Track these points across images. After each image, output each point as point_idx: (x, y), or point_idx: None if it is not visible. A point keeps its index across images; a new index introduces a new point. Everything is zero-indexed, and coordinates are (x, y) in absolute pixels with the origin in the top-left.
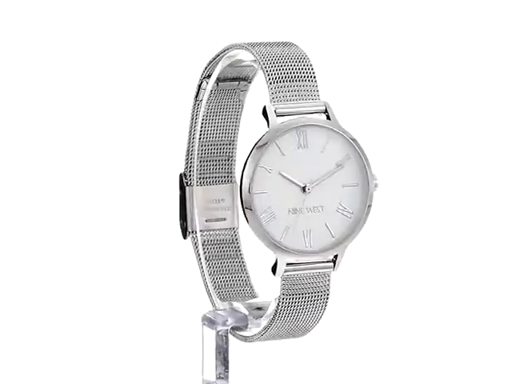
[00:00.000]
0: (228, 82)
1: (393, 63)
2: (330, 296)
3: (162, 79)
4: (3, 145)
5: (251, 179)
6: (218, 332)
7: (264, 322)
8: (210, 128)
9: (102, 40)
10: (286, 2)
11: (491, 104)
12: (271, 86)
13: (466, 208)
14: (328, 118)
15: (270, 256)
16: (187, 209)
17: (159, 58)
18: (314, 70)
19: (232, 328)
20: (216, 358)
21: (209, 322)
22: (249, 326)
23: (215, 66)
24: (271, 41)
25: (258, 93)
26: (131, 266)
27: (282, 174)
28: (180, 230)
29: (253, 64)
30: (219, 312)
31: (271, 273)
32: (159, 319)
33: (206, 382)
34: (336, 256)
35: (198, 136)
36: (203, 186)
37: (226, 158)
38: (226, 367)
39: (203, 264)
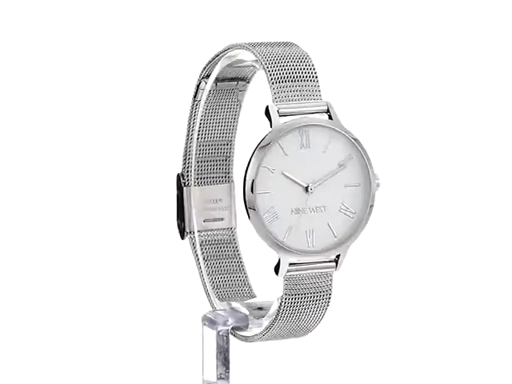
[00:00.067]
0: (226, 82)
1: (393, 63)
2: (332, 296)
3: (160, 79)
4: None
5: (254, 179)
6: (218, 332)
7: (266, 321)
8: (208, 128)
9: (101, 40)
10: (285, 2)
11: (493, 104)
12: (273, 86)
13: (468, 208)
14: (330, 117)
15: (268, 256)
16: (185, 209)
17: (156, 59)
18: (316, 70)
19: (232, 328)
20: (217, 358)
21: (209, 322)
22: (249, 325)
23: (214, 66)
24: (271, 41)
25: (254, 93)
26: (129, 266)
27: (285, 174)
28: (178, 230)
29: (253, 64)
30: (219, 312)
31: (274, 273)
32: (158, 320)
33: (206, 383)
34: (338, 256)
35: (196, 136)
36: (201, 186)
37: (224, 158)
38: (227, 367)
39: (201, 264)
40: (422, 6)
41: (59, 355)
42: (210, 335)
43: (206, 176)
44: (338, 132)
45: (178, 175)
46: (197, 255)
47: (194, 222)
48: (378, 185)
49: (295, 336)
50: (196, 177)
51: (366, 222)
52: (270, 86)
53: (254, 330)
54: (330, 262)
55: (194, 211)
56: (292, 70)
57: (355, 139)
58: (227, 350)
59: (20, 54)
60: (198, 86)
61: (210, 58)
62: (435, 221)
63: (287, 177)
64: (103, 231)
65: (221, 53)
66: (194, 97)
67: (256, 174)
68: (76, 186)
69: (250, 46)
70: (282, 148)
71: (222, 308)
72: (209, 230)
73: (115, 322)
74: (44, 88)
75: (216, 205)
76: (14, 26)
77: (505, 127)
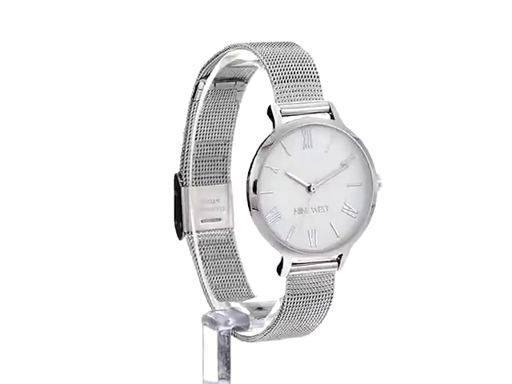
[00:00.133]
0: (225, 83)
1: (393, 62)
2: (334, 295)
3: (157, 80)
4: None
5: (257, 179)
6: (219, 332)
7: (267, 322)
8: (206, 128)
9: (99, 39)
10: (283, 2)
11: (495, 104)
12: (276, 86)
13: (470, 207)
14: (332, 117)
15: (265, 256)
16: (183, 209)
17: (153, 59)
18: (318, 70)
19: (232, 328)
20: (218, 359)
21: (210, 322)
22: (250, 326)
23: (213, 67)
24: (271, 41)
25: (249, 93)
26: (126, 267)
27: (288, 174)
28: (175, 230)
29: (253, 64)
30: (220, 312)
31: (275, 272)
32: (156, 320)
33: (207, 383)
34: (340, 256)
35: (194, 136)
36: (199, 187)
37: (222, 158)
38: (228, 368)
39: (200, 264)
40: (422, 5)
41: (59, 356)
42: (211, 335)
43: (203, 176)
44: (340, 132)
45: (176, 175)
46: (195, 255)
47: (192, 222)
48: (379, 184)
49: (296, 336)
50: (194, 177)
51: (368, 222)
52: (273, 86)
53: (254, 330)
54: (332, 261)
55: (191, 211)
56: (294, 70)
57: (357, 139)
58: (228, 351)
59: (19, 52)
60: (196, 87)
61: (208, 59)
62: (437, 220)
63: (290, 177)
64: (100, 232)
65: (220, 53)
66: (193, 97)
67: (259, 174)
68: (73, 185)
69: (251, 46)
70: (284, 148)
71: (221, 308)
72: (206, 231)
73: (113, 322)
74: (43, 88)
75: (214, 205)
76: (12, 25)
77: (506, 126)
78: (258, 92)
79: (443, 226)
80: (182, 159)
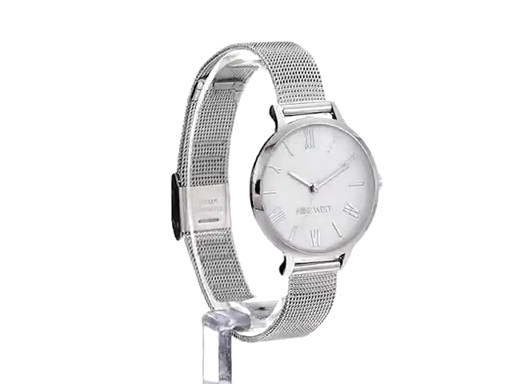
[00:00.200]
0: (224, 83)
1: (393, 62)
2: (335, 295)
3: (153, 80)
4: None
5: (261, 179)
6: (221, 332)
7: (269, 322)
8: (204, 128)
9: (98, 39)
10: (280, 2)
11: (496, 103)
12: (278, 86)
13: (472, 207)
14: (334, 117)
15: (262, 256)
16: (180, 209)
17: (149, 60)
18: (319, 70)
19: (233, 328)
20: (219, 359)
21: (211, 322)
22: (251, 326)
23: (212, 67)
24: (270, 41)
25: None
26: (123, 268)
27: (291, 174)
28: (172, 230)
29: (253, 64)
30: (220, 312)
31: (278, 272)
32: (155, 321)
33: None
34: (343, 255)
35: (192, 136)
36: (196, 187)
37: (219, 159)
38: (229, 368)
39: (198, 265)
40: (424, 4)
41: (59, 356)
42: (212, 336)
43: (201, 176)
44: (343, 131)
45: (173, 175)
46: (193, 256)
47: (190, 222)
48: (380, 184)
49: (297, 336)
50: (192, 177)
51: (370, 222)
52: (275, 87)
53: (255, 330)
54: (334, 261)
55: (189, 212)
56: (295, 70)
57: (359, 138)
58: (229, 351)
59: (17, 51)
60: (195, 87)
61: (208, 59)
62: (438, 219)
63: (293, 177)
64: (97, 232)
65: (220, 53)
66: (191, 97)
67: (262, 175)
68: (70, 185)
69: (253, 46)
70: (287, 148)
71: (221, 308)
72: (204, 231)
73: (112, 323)
74: (41, 88)
75: (211, 205)
76: (10, 24)
77: (507, 126)
78: (254, 92)
79: (445, 225)
80: (180, 159)
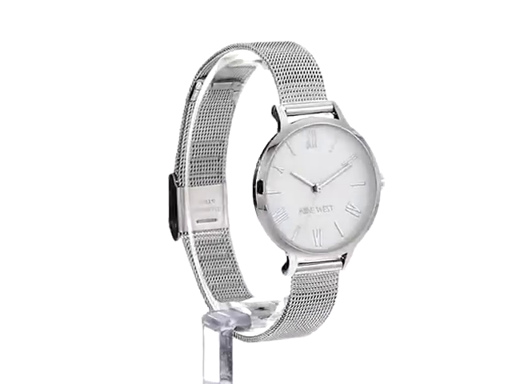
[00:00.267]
0: (222, 83)
1: (392, 61)
2: (337, 295)
3: (150, 81)
4: None
5: (265, 180)
6: (221, 333)
7: (270, 321)
8: (202, 128)
9: (97, 38)
10: (278, 1)
11: (498, 103)
12: (280, 86)
13: (474, 207)
14: (336, 117)
15: (260, 256)
16: (178, 210)
17: (147, 60)
18: (321, 70)
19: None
20: (220, 359)
21: (211, 322)
22: (252, 326)
23: (211, 67)
24: (270, 41)
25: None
26: (120, 269)
27: (294, 174)
28: (170, 231)
29: (252, 64)
30: (221, 313)
31: (281, 272)
32: (153, 322)
33: None
34: (344, 255)
35: (190, 137)
36: (194, 187)
37: (217, 159)
38: (230, 368)
39: (197, 265)
40: (425, 3)
41: (59, 357)
42: (213, 336)
43: (199, 176)
44: (345, 131)
45: (171, 176)
46: (191, 256)
47: (188, 222)
48: (382, 184)
49: (299, 335)
50: (189, 177)
51: (372, 221)
52: (277, 86)
53: (256, 330)
54: (336, 261)
55: (187, 212)
56: (297, 70)
57: (361, 138)
58: (230, 351)
59: (15, 47)
60: (193, 87)
61: (207, 59)
62: (440, 219)
63: (296, 177)
64: (92, 234)
65: (219, 53)
66: (189, 97)
67: (266, 175)
68: (67, 185)
69: (254, 46)
70: (290, 148)
71: (220, 309)
72: (202, 231)
73: (111, 324)
74: (39, 88)
75: (209, 205)
76: (8, 23)
77: (509, 125)
78: (249, 92)
79: (446, 224)
80: (178, 160)
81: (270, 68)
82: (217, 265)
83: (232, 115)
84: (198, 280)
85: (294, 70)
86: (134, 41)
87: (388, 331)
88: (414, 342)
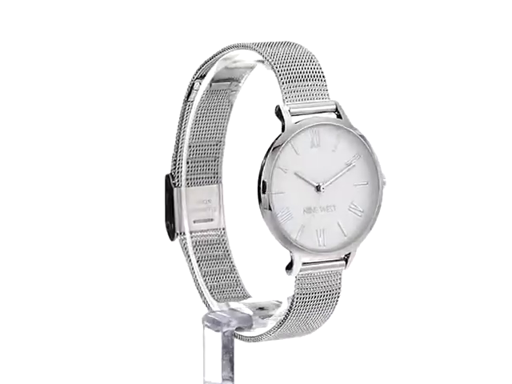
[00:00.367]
0: (220, 83)
1: (395, 61)
2: (340, 294)
3: (147, 81)
4: None
5: (269, 180)
6: (224, 333)
7: (272, 321)
8: (199, 129)
9: (95, 38)
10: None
11: (500, 103)
12: (283, 86)
13: (476, 207)
14: (338, 116)
15: (258, 256)
16: (175, 210)
17: (144, 60)
18: (323, 70)
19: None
20: (222, 359)
21: (212, 323)
22: (253, 326)
23: (210, 67)
24: (269, 41)
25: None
26: (115, 271)
27: (297, 173)
28: (167, 231)
29: (252, 65)
30: (221, 313)
31: (286, 272)
32: (151, 324)
33: None
34: (348, 254)
35: (187, 137)
36: (191, 187)
37: (213, 159)
38: (232, 369)
39: (194, 266)
40: (427, 3)
41: (60, 358)
42: (214, 336)
43: (196, 177)
44: (348, 131)
45: (168, 176)
46: (189, 256)
47: (185, 223)
48: (384, 183)
49: (300, 335)
50: (186, 177)
51: (375, 221)
52: (280, 86)
53: (257, 330)
54: (339, 260)
55: (184, 212)
56: (300, 70)
57: (364, 138)
58: (232, 351)
59: (12, 46)
60: (191, 87)
61: (205, 59)
62: (442, 218)
63: (299, 176)
64: (88, 235)
65: (219, 53)
66: (187, 97)
67: (271, 175)
68: (63, 186)
69: (256, 47)
70: (294, 148)
71: (219, 309)
72: (199, 231)
73: (108, 327)
74: (38, 89)
75: (206, 205)
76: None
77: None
78: (245, 92)
79: (449, 223)
80: (175, 160)
81: (273, 68)
82: (214, 265)
83: (229, 115)
84: (195, 280)
85: (297, 70)
86: (133, 41)
87: (390, 331)
88: (416, 342)
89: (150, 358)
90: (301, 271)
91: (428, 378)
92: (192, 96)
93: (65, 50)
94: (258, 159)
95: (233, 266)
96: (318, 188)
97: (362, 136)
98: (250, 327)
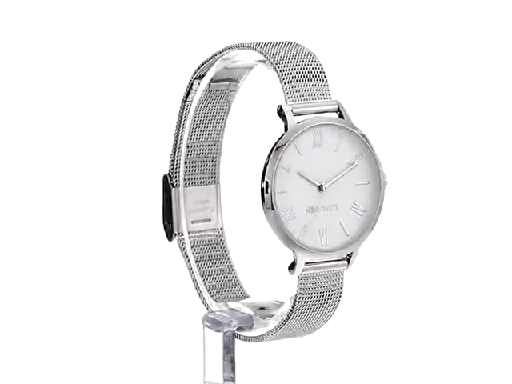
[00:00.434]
0: (219, 83)
1: (396, 61)
2: (342, 294)
3: (145, 81)
4: None
5: (273, 180)
6: (225, 333)
7: (274, 321)
8: (197, 129)
9: (94, 38)
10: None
11: (502, 103)
12: (285, 85)
13: (478, 207)
14: (340, 116)
15: (256, 256)
16: (173, 210)
17: (143, 60)
18: (324, 70)
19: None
20: (223, 360)
21: (213, 323)
22: (254, 326)
23: (210, 67)
24: (269, 41)
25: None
26: (113, 272)
27: (300, 173)
28: (164, 232)
29: (253, 65)
30: (222, 313)
31: (288, 272)
32: (150, 324)
33: None
34: (350, 254)
35: (185, 137)
36: (189, 187)
37: (211, 159)
38: (233, 369)
39: (193, 266)
40: (429, 3)
41: (61, 359)
42: (215, 337)
43: (194, 177)
44: (350, 131)
45: (165, 176)
46: (187, 257)
47: (183, 223)
48: (385, 183)
49: (302, 334)
50: (184, 178)
51: (377, 221)
52: (282, 87)
53: (258, 330)
54: (342, 260)
55: (182, 212)
56: (302, 70)
57: (365, 137)
58: (233, 351)
59: (12, 46)
60: (190, 87)
61: (204, 59)
62: (444, 218)
63: (302, 176)
64: (86, 235)
65: (219, 53)
66: (186, 98)
67: (274, 175)
68: (61, 186)
69: (257, 47)
70: (296, 148)
71: (219, 309)
72: (197, 231)
73: (107, 327)
74: (37, 89)
75: (204, 205)
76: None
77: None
78: (243, 92)
79: (451, 223)
80: (173, 160)
81: (275, 68)
82: (213, 265)
83: (227, 115)
84: (194, 280)
85: (299, 70)
86: (132, 41)
87: (392, 330)
88: (418, 342)
89: (150, 358)
90: (303, 271)
91: (429, 379)
92: (191, 96)
93: (64, 49)
94: (255, 159)
95: (231, 265)
96: (320, 188)
97: (363, 136)
98: (250, 327)
